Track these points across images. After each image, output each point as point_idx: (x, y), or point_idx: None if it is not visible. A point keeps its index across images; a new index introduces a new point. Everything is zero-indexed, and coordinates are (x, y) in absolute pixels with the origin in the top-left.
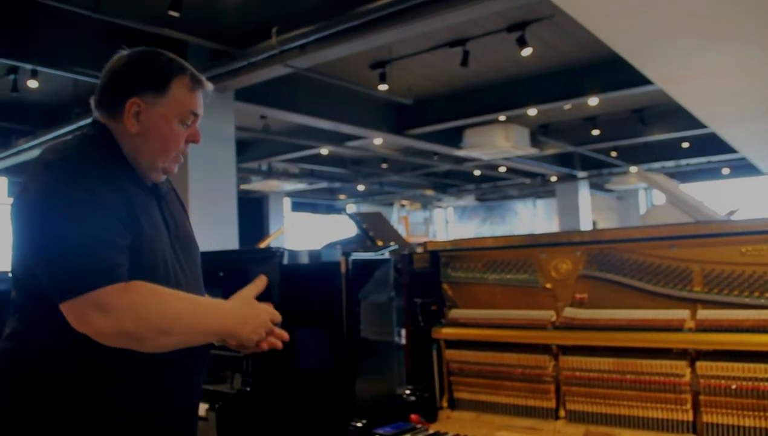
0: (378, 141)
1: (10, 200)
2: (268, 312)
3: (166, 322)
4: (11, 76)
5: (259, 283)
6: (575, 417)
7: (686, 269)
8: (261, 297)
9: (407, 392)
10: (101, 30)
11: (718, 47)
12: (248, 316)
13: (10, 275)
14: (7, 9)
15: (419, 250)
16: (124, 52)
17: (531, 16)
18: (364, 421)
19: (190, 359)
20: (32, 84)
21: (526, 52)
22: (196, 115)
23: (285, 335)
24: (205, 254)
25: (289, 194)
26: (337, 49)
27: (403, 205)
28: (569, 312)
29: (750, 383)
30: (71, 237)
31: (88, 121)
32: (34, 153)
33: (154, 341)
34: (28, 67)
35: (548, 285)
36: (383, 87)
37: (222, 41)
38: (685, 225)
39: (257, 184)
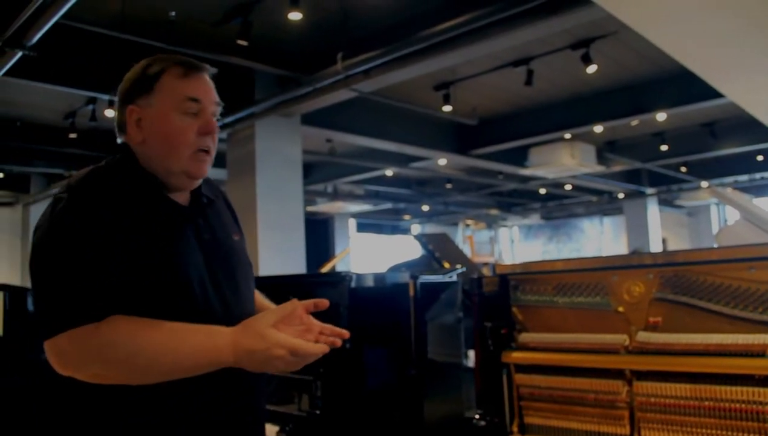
0: (442, 162)
1: None
2: (284, 345)
3: (138, 363)
4: (90, 107)
5: (288, 308)
6: None
7: (766, 292)
8: (329, 319)
9: (477, 416)
10: None
11: None
12: (254, 350)
13: None
14: (86, 43)
15: (484, 270)
16: None
17: (595, 33)
18: None
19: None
20: (109, 113)
21: (591, 69)
22: (196, 100)
23: (324, 349)
24: (276, 278)
25: (355, 215)
26: (401, 72)
27: (467, 225)
28: (643, 336)
29: None
30: (50, 279)
31: None
32: None
33: (131, 381)
34: (106, 97)
35: (621, 308)
36: (447, 108)
37: (288, 68)
38: (764, 246)
39: (323, 206)
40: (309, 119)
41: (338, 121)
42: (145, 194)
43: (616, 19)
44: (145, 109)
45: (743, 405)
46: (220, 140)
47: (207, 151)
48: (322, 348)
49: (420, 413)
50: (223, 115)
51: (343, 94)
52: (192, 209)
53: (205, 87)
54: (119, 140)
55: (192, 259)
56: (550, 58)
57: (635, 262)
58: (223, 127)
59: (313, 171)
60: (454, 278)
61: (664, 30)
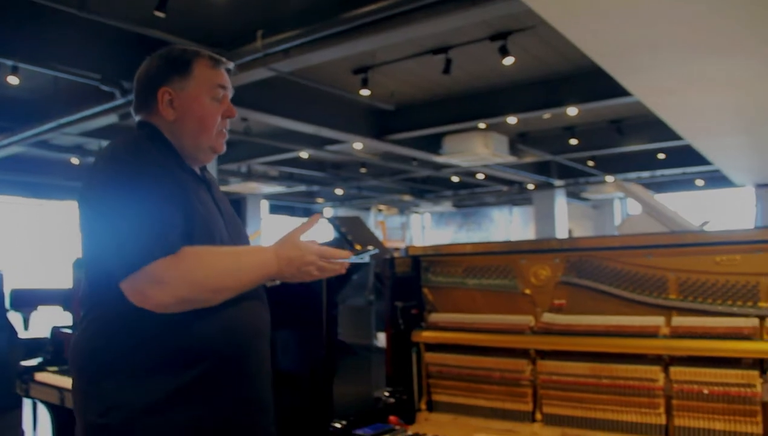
0: (358, 146)
1: None
2: (314, 251)
3: (215, 281)
4: None
5: (309, 222)
6: (551, 420)
7: (662, 278)
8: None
9: (386, 394)
10: (86, 29)
11: (699, 60)
12: (292, 258)
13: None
14: None
15: (396, 254)
16: (146, 61)
17: (514, 26)
18: (343, 422)
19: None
20: (12, 80)
21: (508, 61)
22: (224, 87)
23: (342, 266)
24: None
25: (267, 197)
26: (320, 53)
27: (380, 210)
28: (547, 318)
29: (721, 388)
30: (127, 219)
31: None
32: (14, 150)
33: (209, 302)
34: (9, 63)
35: (527, 291)
36: (365, 92)
37: (207, 43)
38: (661, 235)
39: (236, 186)
40: None
41: (255, 101)
42: (177, 164)
43: (535, 13)
44: (178, 92)
45: (636, 382)
46: None
47: (224, 132)
48: (344, 253)
49: (330, 393)
50: None
51: (261, 73)
52: (205, 181)
53: (227, 77)
54: (138, 118)
55: (217, 221)
56: (469, 48)
57: (543, 247)
58: None
59: (227, 150)
60: (366, 260)
61: (577, 26)
